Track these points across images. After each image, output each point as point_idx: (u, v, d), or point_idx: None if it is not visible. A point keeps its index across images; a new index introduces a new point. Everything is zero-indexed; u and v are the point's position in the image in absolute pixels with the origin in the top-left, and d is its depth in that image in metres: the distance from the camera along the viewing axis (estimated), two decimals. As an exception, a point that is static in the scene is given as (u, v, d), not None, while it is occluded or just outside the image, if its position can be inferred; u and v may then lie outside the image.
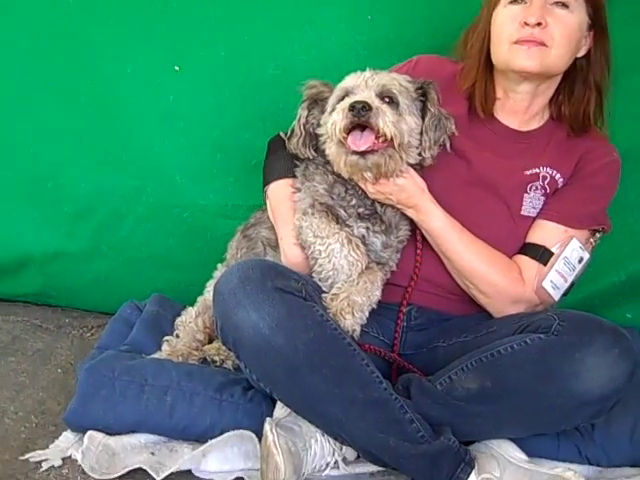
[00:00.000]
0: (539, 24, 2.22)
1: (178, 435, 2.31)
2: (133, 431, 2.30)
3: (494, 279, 2.33)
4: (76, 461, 2.22)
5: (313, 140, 2.38)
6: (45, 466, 2.22)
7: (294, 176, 2.43)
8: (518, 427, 2.18)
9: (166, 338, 2.64)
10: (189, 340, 2.62)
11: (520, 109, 2.41)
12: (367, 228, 2.34)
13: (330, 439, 2.18)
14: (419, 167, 2.33)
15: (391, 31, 2.80)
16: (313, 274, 2.31)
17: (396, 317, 2.42)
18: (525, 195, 2.39)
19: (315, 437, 2.17)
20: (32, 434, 2.39)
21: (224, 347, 2.31)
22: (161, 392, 2.33)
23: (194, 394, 2.34)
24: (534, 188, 2.39)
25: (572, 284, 2.37)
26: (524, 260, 2.36)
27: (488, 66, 2.38)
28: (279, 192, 2.43)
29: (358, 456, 2.24)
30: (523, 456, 2.18)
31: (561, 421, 2.14)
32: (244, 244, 2.57)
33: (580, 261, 2.35)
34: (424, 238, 2.38)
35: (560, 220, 2.36)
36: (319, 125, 2.36)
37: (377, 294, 2.29)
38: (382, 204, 2.34)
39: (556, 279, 2.33)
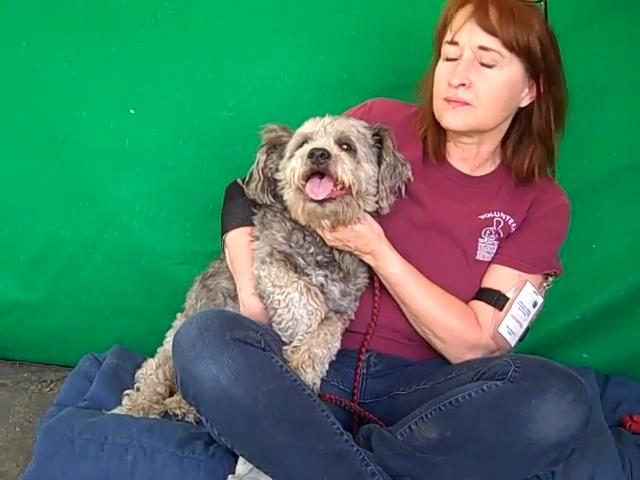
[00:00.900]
0: (463, 84, 2.23)
1: (140, 495, 2.28)
2: (93, 493, 2.26)
3: (451, 325, 2.33)
4: (35, 526, 2.18)
5: (272, 185, 2.37)
6: (4, 533, 2.19)
7: (252, 224, 2.42)
8: (479, 477, 2.17)
9: (127, 392, 2.60)
10: (150, 393, 2.57)
11: (468, 157, 2.43)
12: (325, 276, 2.33)
13: (292, 495, 2.16)
14: (376, 214, 2.33)
15: (344, 71, 2.81)
16: (273, 324, 2.29)
17: (355, 364, 2.40)
18: (480, 240, 2.40)
19: (278, 494, 2.15)
20: (-11, 498, 2.36)
21: (185, 400, 2.27)
22: (122, 450, 2.29)
23: (155, 451, 2.30)
24: (488, 233, 2.41)
25: (527, 329, 2.39)
26: (480, 305, 2.38)
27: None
28: (237, 241, 2.42)
29: (321, 511, 2.22)
30: (484, 506, 2.18)
31: (520, 469, 2.14)
32: (203, 294, 2.55)
33: (534, 305, 2.37)
34: (382, 285, 2.38)
35: (513, 264, 2.38)
36: (277, 170, 2.35)
37: (337, 345, 2.29)
38: (340, 251, 2.34)
39: (512, 324, 2.34)
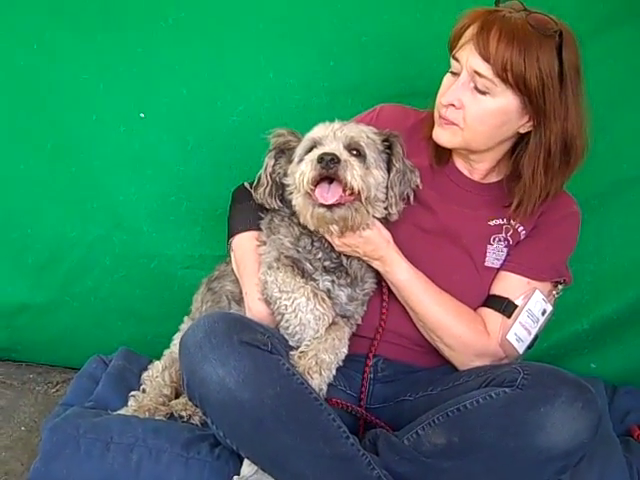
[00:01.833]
0: (452, 105, 2.22)
1: (144, 494, 2.28)
2: (98, 492, 2.26)
3: (459, 331, 2.33)
4: (39, 524, 2.18)
5: (279, 190, 2.38)
6: (7, 530, 2.19)
7: (259, 228, 2.42)
8: (485, 483, 2.18)
9: (132, 393, 2.60)
10: (156, 395, 2.57)
11: (470, 167, 2.42)
12: (332, 281, 2.33)
13: (297, 497, 2.16)
14: (384, 220, 2.32)
15: (354, 77, 2.83)
16: (280, 329, 2.29)
17: (362, 369, 2.40)
18: (489, 246, 2.40)
19: (282, 496, 2.14)
20: (-6, 497, 2.37)
21: (191, 402, 2.27)
22: (127, 450, 2.30)
23: (160, 451, 2.31)
24: (497, 240, 2.40)
25: (536, 337, 2.38)
26: (488, 313, 2.37)
27: None
28: (244, 245, 2.42)
29: (325, 514, 2.22)
30: (491, 512, 2.17)
31: (528, 477, 2.13)
32: (209, 297, 2.55)
33: (543, 313, 2.36)
34: (390, 290, 2.38)
35: (523, 272, 2.37)
36: (285, 175, 2.35)
37: (344, 351, 2.29)
38: (348, 257, 2.33)
39: (520, 332, 2.34)
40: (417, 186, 2.32)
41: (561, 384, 2.06)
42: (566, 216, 2.42)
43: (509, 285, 2.37)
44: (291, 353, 2.23)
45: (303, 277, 2.30)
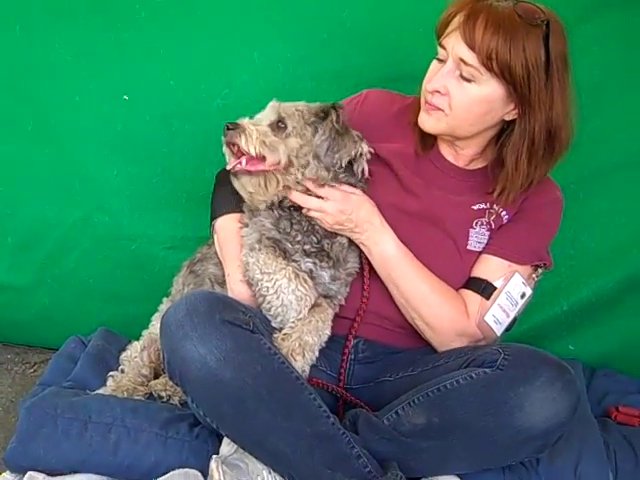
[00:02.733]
0: (438, 91, 2.22)
1: (122, 474, 2.26)
2: (75, 471, 2.24)
3: (441, 310, 2.33)
4: (15, 504, 2.16)
5: None
6: (-18, 509, 2.16)
7: (242, 211, 2.42)
8: (465, 462, 2.19)
9: (111, 373, 2.59)
10: (134, 375, 2.56)
11: (455, 153, 2.42)
12: (314, 263, 2.32)
13: (277, 477, 2.15)
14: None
15: (339, 62, 2.81)
16: (263, 311, 2.29)
17: (343, 350, 2.40)
18: (471, 230, 2.40)
19: (262, 475, 2.14)
20: (-30, 476, 2.33)
21: (171, 382, 2.27)
22: (105, 429, 2.28)
23: (139, 431, 2.30)
24: (480, 223, 2.40)
25: (514, 319, 2.39)
26: (468, 294, 2.38)
27: None
28: (227, 227, 2.42)
29: (305, 494, 2.22)
30: (469, 491, 2.19)
31: (507, 456, 2.15)
32: (191, 280, 2.54)
33: (522, 296, 2.37)
34: (371, 272, 2.38)
35: (504, 255, 2.37)
36: None
37: (327, 332, 2.30)
38: (329, 240, 2.33)
39: (498, 314, 2.34)
40: (361, 155, 2.30)
41: (541, 365, 2.07)
42: (549, 202, 2.43)
43: (489, 267, 2.37)
44: (274, 335, 2.23)
45: (285, 258, 2.29)
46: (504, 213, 2.40)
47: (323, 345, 2.29)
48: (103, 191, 2.98)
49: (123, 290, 3.09)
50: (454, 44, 2.17)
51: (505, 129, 2.32)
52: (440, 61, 2.24)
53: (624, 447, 2.43)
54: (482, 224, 2.39)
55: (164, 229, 3.01)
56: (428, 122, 2.29)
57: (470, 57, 2.14)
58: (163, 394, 2.50)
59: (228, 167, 2.24)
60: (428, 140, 2.41)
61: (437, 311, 2.33)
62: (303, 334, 2.23)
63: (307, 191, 2.29)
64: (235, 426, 2.12)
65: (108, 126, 2.93)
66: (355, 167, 2.31)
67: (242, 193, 2.30)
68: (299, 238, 2.32)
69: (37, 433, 2.26)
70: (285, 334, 2.23)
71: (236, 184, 2.28)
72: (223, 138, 2.23)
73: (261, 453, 2.14)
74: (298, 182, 2.27)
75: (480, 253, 2.40)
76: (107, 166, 2.96)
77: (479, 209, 2.40)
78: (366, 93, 2.54)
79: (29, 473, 2.20)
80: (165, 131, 2.92)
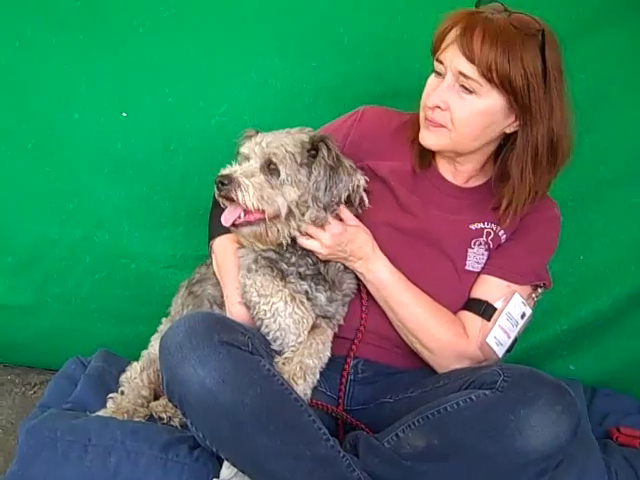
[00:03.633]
0: (438, 107, 2.21)
1: (122, 497, 2.26)
2: (75, 495, 2.24)
3: (438, 334, 2.33)
4: (15, 529, 2.15)
5: None
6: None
7: None
8: (465, 486, 2.18)
9: (111, 395, 2.58)
10: (134, 397, 2.55)
11: (454, 170, 2.42)
12: (310, 286, 2.32)
13: (277, 500, 2.14)
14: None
15: (336, 78, 2.82)
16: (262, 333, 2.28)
17: (341, 370, 2.39)
18: (469, 250, 2.39)
19: (261, 498, 2.13)
20: (-31, 500, 2.33)
21: (171, 404, 2.24)
22: (105, 452, 2.28)
23: (139, 454, 2.29)
24: (478, 243, 2.39)
25: (515, 340, 2.38)
26: (467, 316, 2.37)
27: None
28: (225, 247, 2.42)
29: (305, 517, 2.21)
30: (470, 515, 2.17)
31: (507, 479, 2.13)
32: (190, 301, 2.54)
33: (522, 316, 2.36)
34: (369, 292, 2.37)
35: (502, 275, 2.37)
36: None
37: (327, 354, 2.29)
38: (325, 263, 2.32)
39: (499, 335, 2.33)
40: (358, 187, 2.30)
41: (541, 387, 2.06)
42: (547, 220, 2.43)
43: (489, 288, 2.37)
44: (275, 360, 2.22)
45: (282, 279, 2.29)
46: (502, 232, 2.39)
47: (324, 367, 2.27)
48: (103, 209, 2.99)
49: (123, 309, 3.10)
50: (452, 58, 2.17)
51: (504, 144, 2.32)
52: (438, 75, 2.24)
53: (625, 469, 2.42)
54: (480, 244, 2.39)
55: (164, 248, 3.01)
56: (429, 139, 2.28)
57: (469, 70, 2.15)
58: (163, 415, 2.49)
59: (226, 224, 2.22)
60: (426, 157, 2.41)
61: (434, 334, 2.32)
62: (304, 357, 2.21)
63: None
64: (234, 448, 2.10)
65: (107, 144, 2.93)
66: (353, 198, 2.30)
67: (244, 242, 2.30)
68: (294, 260, 2.31)
69: (37, 457, 2.25)
70: (286, 358, 2.22)
71: (238, 236, 2.27)
72: (217, 192, 2.20)
73: (260, 476, 2.12)
74: (298, 228, 2.26)
75: (479, 273, 2.39)
76: (107, 184, 2.97)
77: (477, 229, 2.39)
78: (363, 110, 2.53)
79: (29, 498, 2.20)
80: (164, 149, 2.93)
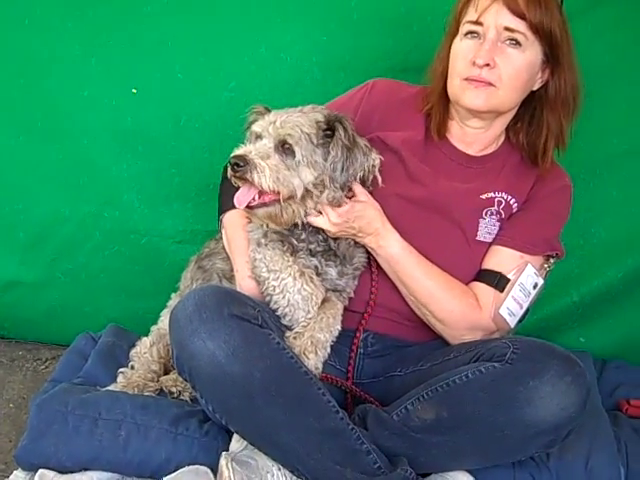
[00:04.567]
0: (487, 65, 2.21)
1: (133, 471, 2.27)
2: (86, 468, 2.25)
3: (451, 306, 2.32)
4: (26, 502, 2.17)
5: None
6: (-6, 507, 2.18)
7: None
8: (474, 458, 2.18)
9: (121, 370, 2.59)
10: (144, 371, 2.57)
11: (472, 140, 2.41)
12: (320, 262, 2.31)
13: (287, 473, 2.15)
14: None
15: (346, 52, 2.81)
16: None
17: (351, 344, 2.39)
18: (481, 220, 2.38)
19: (271, 471, 2.13)
20: (-18, 473, 2.36)
21: (181, 378, 2.27)
22: (115, 426, 2.29)
23: (149, 427, 2.30)
24: (489, 213, 2.38)
25: (527, 310, 2.37)
26: (481, 287, 2.36)
27: (446, 93, 2.37)
28: (234, 222, 2.41)
29: (315, 490, 2.22)
30: (479, 486, 2.19)
31: (516, 451, 2.14)
32: (199, 275, 2.53)
33: (535, 287, 2.35)
34: (379, 265, 2.36)
35: (515, 246, 2.36)
36: None
37: (338, 328, 2.28)
38: (335, 239, 2.31)
39: (512, 306, 2.33)
40: (374, 167, 2.27)
41: (550, 358, 2.05)
42: (558, 189, 2.42)
43: (502, 259, 2.36)
44: (286, 335, 2.22)
45: (292, 254, 2.28)
46: (513, 201, 2.38)
47: (334, 340, 2.27)
48: (113, 186, 2.99)
49: (133, 285, 3.10)
50: (497, 15, 2.21)
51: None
52: (474, 37, 2.25)
53: (635, 441, 2.41)
54: (492, 214, 2.38)
55: (174, 223, 3.01)
56: (479, 99, 2.27)
57: (517, 23, 2.20)
58: (173, 390, 2.50)
59: (240, 206, 2.19)
60: (442, 127, 2.41)
61: (447, 306, 2.31)
62: (315, 332, 2.21)
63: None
64: (244, 421, 2.12)
65: (117, 120, 2.93)
66: (366, 177, 2.28)
67: (256, 223, 2.28)
68: (304, 237, 2.30)
69: (48, 430, 2.26)
70: (297, 333, 2.22)
71: (252, 217, 2.25)
72: (230, 173, 2.16)
73: (270, 449, 2.14)
74: (314, 208, 2.24)
75: (490, 244, 2.38)
76: (117, 161, 2.97)
77: (488, 198, 2.38)
78: (373, 82, 2.52)
79: (40, 471, 2.21)
80: (174, 125, 2.92)
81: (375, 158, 2.27)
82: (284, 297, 2.23)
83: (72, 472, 2.24)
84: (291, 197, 2.17)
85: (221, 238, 2.47)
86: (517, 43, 2.22)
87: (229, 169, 2.15)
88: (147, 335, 2.69)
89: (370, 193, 2.32)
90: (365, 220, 2.27)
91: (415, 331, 2.42)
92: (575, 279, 2.91)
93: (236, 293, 2.22)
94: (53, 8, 2.82)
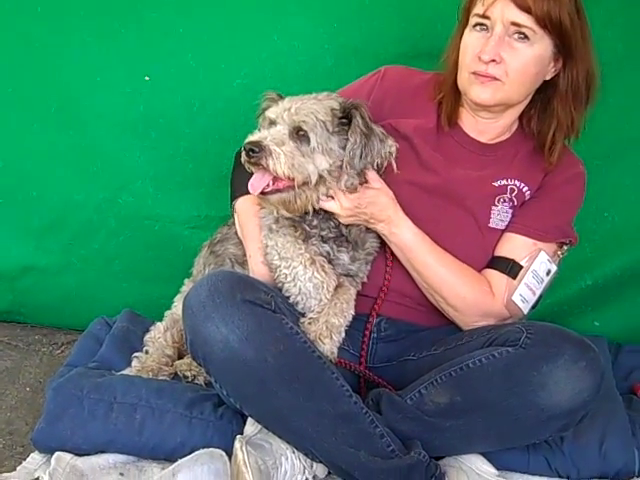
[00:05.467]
0: (493, 60, 2.20)
1: (148, 454, 2.29)
2: (102, 451, 2.28)
3: (463, 292, 2.32)
4: (44, 483, 2.19)
5: None
6: (12, 489, 2.19)
7: None
8: (488, 441, 2.19)
9: (135, 354, 2.62)
10: (159, 356, 2.59)
11: (484, 129, 2.40)
12: (332, 248, 2.31)
13: (301, 456, 2.17)
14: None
15: (358, 39, 2.80)
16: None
17: (364, 329, 2.40)
18: (493, 207, 2.38)
19: (285, 455, 2.15)
20: (-1, 456, 2.37)
21: (195, 362, 2.28)
22: (130, 410, 2.32)
23: (164, 411, 2.33)
24: (502, 200, 2.38)
25: (540, 297, 2.38)
26: (493, 274, 2.36)
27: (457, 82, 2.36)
28: (247, 208, 2.41)
29: (329, 473, 2.23)
30: (492, 470, 2.20)
31: (530, 435, 2.15)
32: (211, 260, 2.54)
33: (548, 274, 2.35)
34: (392, 251, 2.36)
35: (528, 233, 2.36)
36: None
37: (352, 312, 2.29)
38: (347, 225, 2.31)
39: (525, 293, 2.33)
40: (390, 154, 2.25)
41: (564, 343, 2.06)
42: (572, 176, 2.41)
43: (514, 246, 2.36)
44: (301, 320, 2.23)
45: (305, 240, 2.28)
46: (526, 189, 2.38)
47: (348, 325, 2.28)
48: (127, 172, 3.00)
49: (147, 270, 3.11)
50: (503, 10, 2.18)
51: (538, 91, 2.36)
52: (481, 30, 2.24)
53: (650, 425, 2.42)
54: (504, 201, 2.37)
55: (187, 209, 3.02)
56: (485, 94, 2.27)
57: (523, 18, 2.17)
58: (188, 374, 2.53)
59: (254, 192, 2.18)
60: (453, 115, 2.40)
61: (459, 293, 2.32)
62: (329, 317, 2.22)
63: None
64: (258, 406, 2.14)
65: (130, 107, 2.94)
66: (381, 164, 2.26)
67: (269, 209, 2.28)
68: (315, 223, 2.30)
69: (64, 414, 2.29)
70: (311, 318, 2.23)
71: (265, 203, 2.25)
72: (245, 158, 2.15)
73: (284, 432, 2.15)
74: (327, 193, 2.24)
75: (503, 231, 2.38)
76: (130, 147, 2.98)
77: (500, 185, 2.38)
78: (384, 69, 2.51)
79: (57, 454, 2.24)
80: (186, 111, 2.93)
81: (391, 145, 2.26)
82: (295, 285, 2.24)
83: (88, 454, 2.26)
84: (305, 184, 2.17)
85: (233, 223, 2.48)
86: (525, 37, 2.19)
87: (244, 155, 2.14)
88: (161, 320, 2.71)
89: (382, 178, 2.31)
90: (377, 207, 2.27)
91: (428, 316, 2.42)
92: (589, 263, 2.91)
93: (249, 278, 2.23)
94: (65, -5, 2.82)
